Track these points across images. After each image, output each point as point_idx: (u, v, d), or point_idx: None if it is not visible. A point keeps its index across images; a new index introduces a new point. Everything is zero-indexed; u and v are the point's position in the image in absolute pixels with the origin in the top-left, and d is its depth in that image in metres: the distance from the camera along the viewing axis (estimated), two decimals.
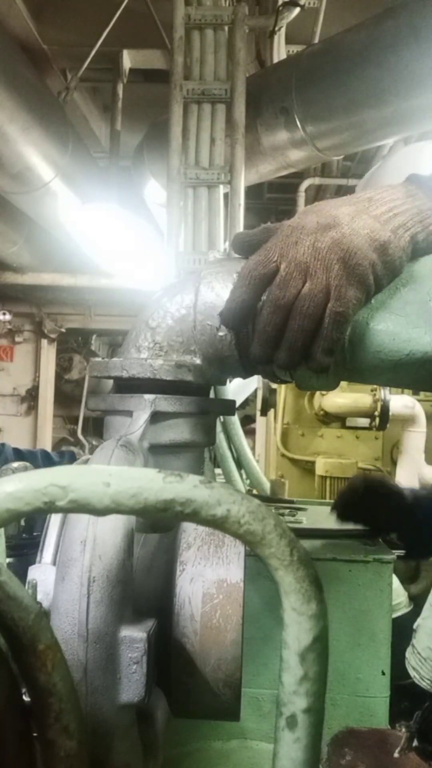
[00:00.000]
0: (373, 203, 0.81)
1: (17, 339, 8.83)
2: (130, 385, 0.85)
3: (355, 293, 0.75)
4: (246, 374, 0.90)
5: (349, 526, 1.51)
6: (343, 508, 1.47)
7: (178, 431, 0.86)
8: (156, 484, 0.47)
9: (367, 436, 4.22)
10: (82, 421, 9.45)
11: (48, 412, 8.80)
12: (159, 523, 0.80)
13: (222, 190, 3.52)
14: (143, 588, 0.73)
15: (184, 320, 0.86)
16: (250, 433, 5.21)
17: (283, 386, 3.97)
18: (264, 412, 3.46)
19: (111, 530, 0.63)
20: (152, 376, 0.83)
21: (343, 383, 0.90)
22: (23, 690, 0.52)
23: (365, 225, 0.77)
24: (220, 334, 0.84)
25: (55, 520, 0.77)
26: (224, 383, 1.16)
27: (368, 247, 0.76)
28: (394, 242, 0.77)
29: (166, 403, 0.84)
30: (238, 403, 1.67)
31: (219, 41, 3.60)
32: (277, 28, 3.89)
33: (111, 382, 0.88)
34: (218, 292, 0.84)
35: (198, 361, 0.86)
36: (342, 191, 6.47)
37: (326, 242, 0.76)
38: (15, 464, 0.96)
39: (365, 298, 0.77)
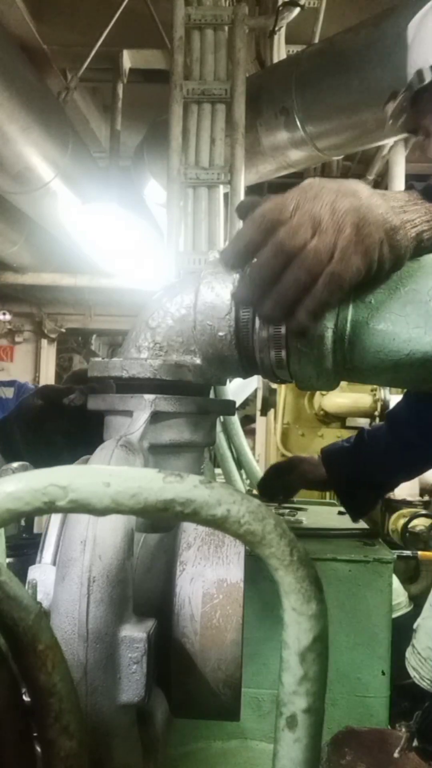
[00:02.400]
0: (386, 196, 0.82)
1: (17, 339, 8.84)
2: (130, 385, 0.85)
3: (357, 262, 0.74)
4: (246, 374, 0.90)
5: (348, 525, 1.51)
6: (263, 489, 1.73)
7: (178, 431, 0.86)
8: (156, 484, 0.47)
9: None
10: None
11: None
12: (159, 523, 0.80)
13: (222, 190, 3.52)
14: (143, 588, 0.73)
15: (184, 320, 0.86)
16: (250, 433, 5.21)
17: (283, 386, 3.97)
18: (264, 412, 3.46)
19: (111, 530, 0.63)
20: (152, 376, 0.83)
21: (343, 383, 0.90)
22: (23, 690, 0.52)
23: (381, 205, 0.78)
24: (220, 334, 0.84)
25: (55, 520, 0.76)
26: (224, 383, 1.16)
27: (380, 225, 0.76)
28: (402, 231, 0.78)
29: (166, 403, 0.84)
30: (238, 403, 1.68)
31: (219, 41, 3.60)
32: (277, 28, 3.89)
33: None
34: (218, 292, 0.84)
35: (198, 361, 0.86)
36: None
37: (344, 205, 0.75)
38: (15, 464, 0.96)
39: (365, 273, 0.76)
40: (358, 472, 1.54)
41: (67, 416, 1.25)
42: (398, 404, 1.60)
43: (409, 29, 1.35)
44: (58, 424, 1.25)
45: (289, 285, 0.74)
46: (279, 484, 1.72)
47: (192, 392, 0.86)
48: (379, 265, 0.77)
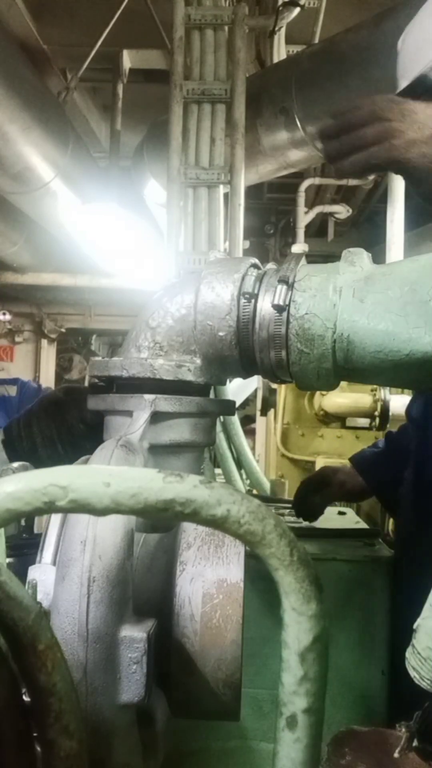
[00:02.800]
0: None
1: (17, 339, 8.84)
2: (130, 385, 0.85)
3: (415, 155, 0.93)
4: (246, 374, 0.90)
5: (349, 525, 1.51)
6: (301, 508, 1.57)
7: (178, 431, 0.86)
8: (156, 484, 0.47)
9: (367, 436, 4.21)
10: None
11: None
12: (159, 523, 0.80)
13: (222, 190, 3.52)
14: (143, 588, 0.73)
15: (184, 320, 0.86)
16: (250, 433, 5.20)
17: (283, 386, 3.97)
18: (264, 412, 3.46)
19: (111, 530, 0.63)
20: (152, 375, 0.83)
21: (343, 383, 0.90)
22: (23, 690, 0.52)
23: None
24: (221, 334, 0.84)
25: (55, 520, 0.76)
26: (224, 383, 1.16)
27: None
28: None
29: (166, 403, 0.84)
30: (238, 403, 1.67)
31: (219, 41, 3.59)
32: (277, 28, 3.89)
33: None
34: (218, 292, 0.84)
35: (198, 361, 0.86)
36: (342, 191, 6.47)
37: None
38: (15, 464, 0.96)
39: (411, 170, 0.95)
40: (395, 473, 1.49)
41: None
42: (414, 396, 1.57)
43: (398, 44, 1.41)
44: (81, 414, 1.30)
45: (359, 136, 0.97)
46: (317, 500, 1.57)
47: (192, 392, 0.86)
48: (424, 178, 0.94)
